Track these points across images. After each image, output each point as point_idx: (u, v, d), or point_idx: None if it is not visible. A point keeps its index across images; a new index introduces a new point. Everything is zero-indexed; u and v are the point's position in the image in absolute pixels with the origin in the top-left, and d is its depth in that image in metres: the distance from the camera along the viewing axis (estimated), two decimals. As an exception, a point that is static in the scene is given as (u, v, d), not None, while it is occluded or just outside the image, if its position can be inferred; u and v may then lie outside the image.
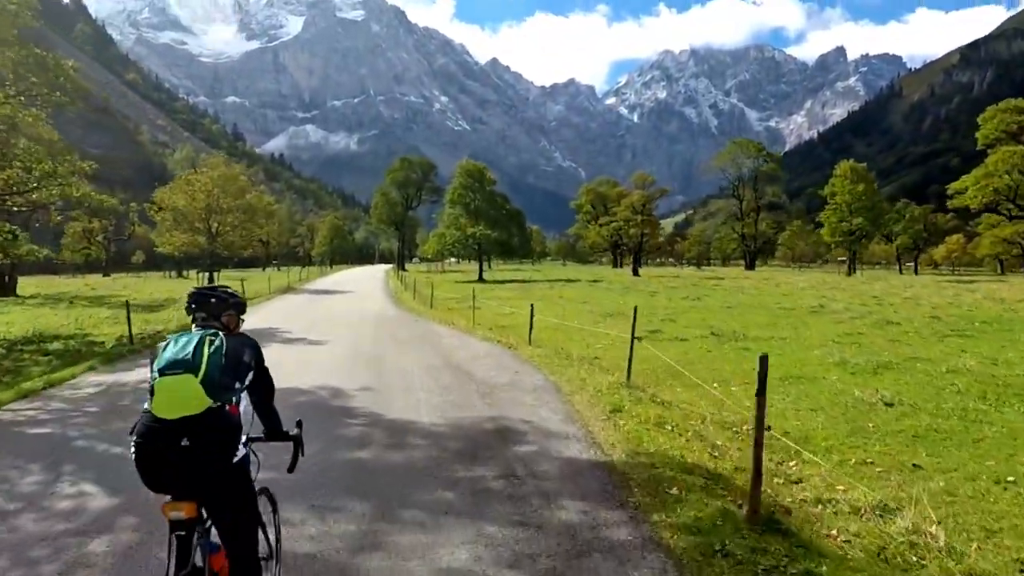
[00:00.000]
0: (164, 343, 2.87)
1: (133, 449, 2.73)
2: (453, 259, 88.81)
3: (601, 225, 66.55)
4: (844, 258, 64.88)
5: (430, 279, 52.26)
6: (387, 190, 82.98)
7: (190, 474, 2.73)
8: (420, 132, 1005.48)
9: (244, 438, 2.98)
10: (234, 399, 2.93)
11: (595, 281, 46.77)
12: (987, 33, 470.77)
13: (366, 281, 48.84)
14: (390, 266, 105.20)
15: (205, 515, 2.92)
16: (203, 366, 2.72)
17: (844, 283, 44.39)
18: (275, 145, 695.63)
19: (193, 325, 3.11)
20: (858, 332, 16.46)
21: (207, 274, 35.70)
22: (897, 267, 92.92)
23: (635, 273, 58.43)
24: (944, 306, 24.20)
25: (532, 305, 17.08)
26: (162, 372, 2.71)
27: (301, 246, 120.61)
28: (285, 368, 10.72)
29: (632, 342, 9.97)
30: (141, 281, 57.39)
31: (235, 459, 2.85)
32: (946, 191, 54.09)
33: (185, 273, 64.29)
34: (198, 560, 2.86)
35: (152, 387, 2.71)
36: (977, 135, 51.62)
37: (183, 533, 2.79)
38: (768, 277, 53.92)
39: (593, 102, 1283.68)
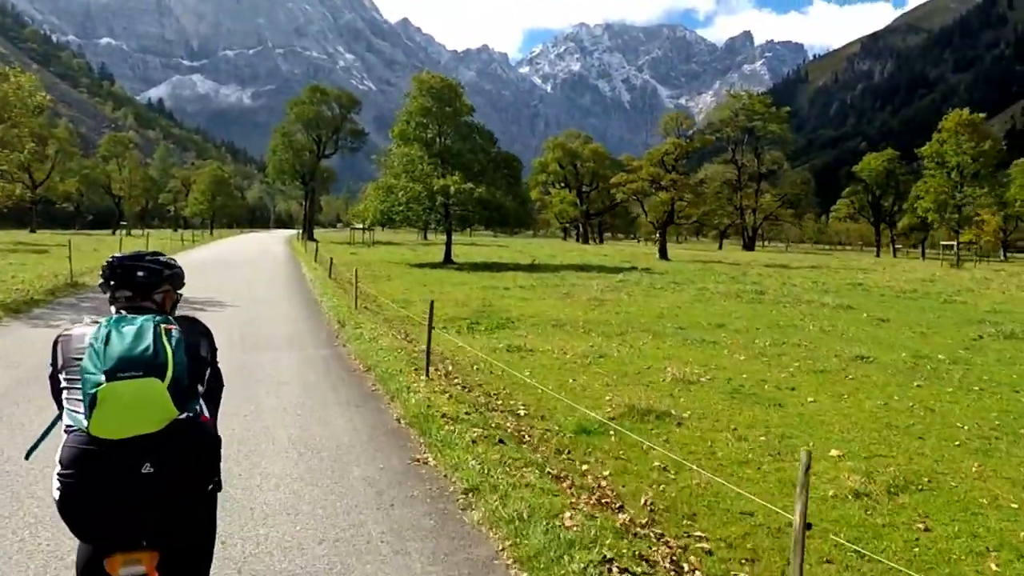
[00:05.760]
0: (90, 332, 2.08)
1: (60, 486, 2.02)
2: (358, 225, 67.44)
3: (605, 190, 47.54)
4: (951, 242, 49.90)
5: (360, 258, 33.01)
6: (290, 130, 60.84)
7: (155, 513, 2.04)
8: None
9: None
10: (199, 408, 2.22)
11: (642, 269, 28.93)
12: (884, 26, 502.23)
13: (259, 264, 28.72)
14: (291, 233, 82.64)
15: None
16: (169, 366, 2.03)
17: (1002, 281, 28.43)
18: (156, 94, 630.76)
19: (113, 308, 2.31)
20: None
21: None
22: (921, 251, 79.31)
23: (663, 255, 40.90)
24: None
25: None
26: (111, 375, 1.95)
27: (173, 204, 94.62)
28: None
29: None
30: None
31: (210, 487, 2.20)
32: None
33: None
34: None
35: (93, 397, 1.94)
36: None
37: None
38: (848, 263, 37.25)
39: (506, 69, 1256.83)
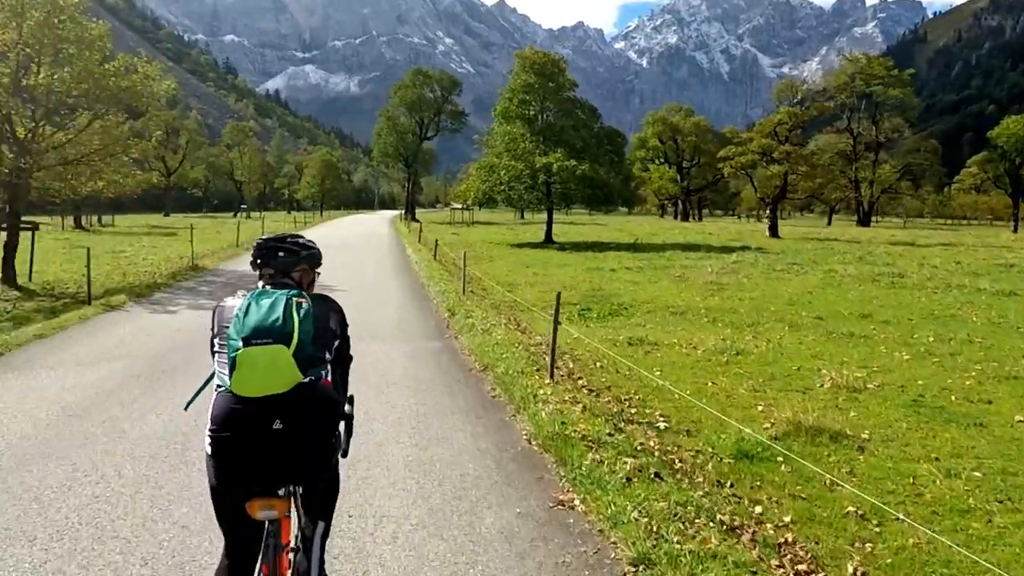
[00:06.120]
0: (238, 304, 2.33)
1: (211, 440, 2.28)
2: (457, 205, 67.95)
3: (707, 164, 45.11)
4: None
5: (461, 238, 32.98)
6: (394, 113, 62.01)
7: (286, 463, 2.31)
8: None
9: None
10: (323, 373, 2.46)
11: (755, 249, 26.88)
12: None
13: (365, 245, 28.96)
14: (394, 214, 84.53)
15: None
16: (295, 335, 2.24)
17: None
18: (273, 85, 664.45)
19: (260, 283, 2.55)
20: None
21: None
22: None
23: (773, 232, 38.34)
24: None
25: None
26: (247, 341, 2.20)
27: (287, 187, 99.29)
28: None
29: None
30: None
31: (332, 440, 2.43)
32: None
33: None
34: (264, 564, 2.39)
35: (233, 360, 2.19)
36: None
37: (246, 530, 2.34)
38: (983, 240, 33.29)
39: (602, 46, 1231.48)
